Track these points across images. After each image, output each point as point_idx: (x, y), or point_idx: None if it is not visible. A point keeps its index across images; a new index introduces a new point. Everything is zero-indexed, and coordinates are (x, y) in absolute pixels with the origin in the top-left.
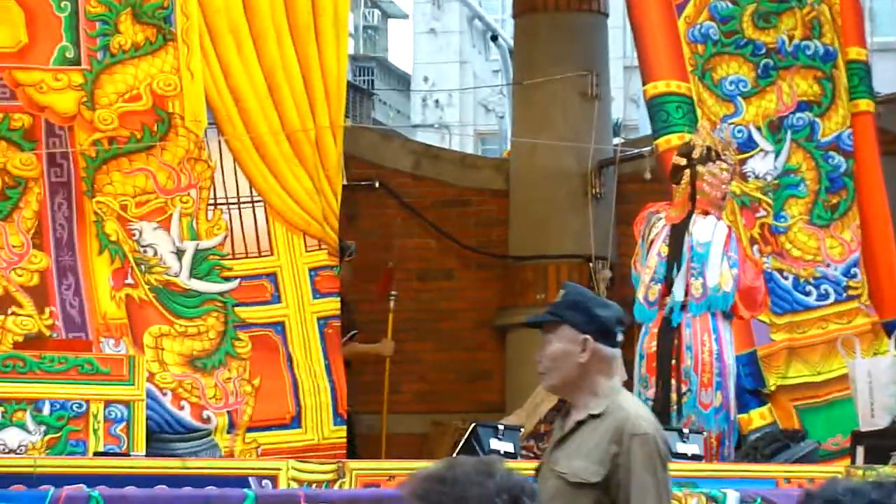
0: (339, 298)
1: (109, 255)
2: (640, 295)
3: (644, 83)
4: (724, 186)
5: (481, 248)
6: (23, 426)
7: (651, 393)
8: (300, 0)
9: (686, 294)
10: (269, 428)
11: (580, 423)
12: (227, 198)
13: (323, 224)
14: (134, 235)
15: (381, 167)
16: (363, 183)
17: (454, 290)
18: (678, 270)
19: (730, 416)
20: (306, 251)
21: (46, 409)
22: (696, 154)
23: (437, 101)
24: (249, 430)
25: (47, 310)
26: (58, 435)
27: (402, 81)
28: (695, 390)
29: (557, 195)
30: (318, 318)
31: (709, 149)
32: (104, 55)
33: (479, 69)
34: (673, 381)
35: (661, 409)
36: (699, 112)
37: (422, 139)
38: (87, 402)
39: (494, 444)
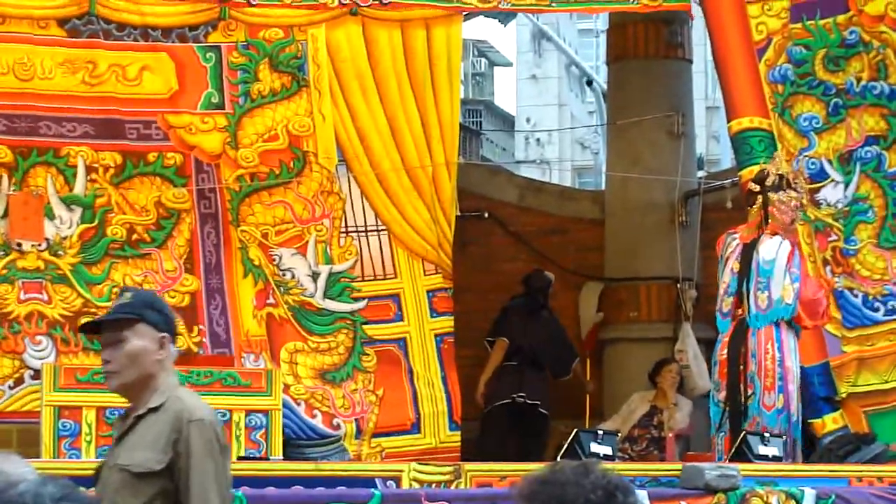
0: (451, 317)
1: (253, 278)
2: (717, 307)
3: (729, 120)
4: (792, 213)
5: (580, 271)
6: None
7: (722, 396)
8: (418, 50)
9: (755, 306)
10: (392, 434)
11: (139, 418)
12: (356, 226)
13: (438, 251)
14: (274, 260)
15: (489, 199)
16: (473, 214)
17: (556, 308)
18: (748, 285)
19: (791, 416)
20: (425, 275)
21: None
22: (769, 181)
23: (538, 140)
24: (375, 435)
25: (196, 328)
26: None
27: (506, 122)
28: (758, 393)
29: (647, 223)
30: (436, 335)
31: (781, 177)
32: (245, 100)
33: (576, 110)
34: (741, 386)
35: (732, 410)
36: (779, 146)
37: (525, 174)
38: (231, 411)
39: (594, 447)
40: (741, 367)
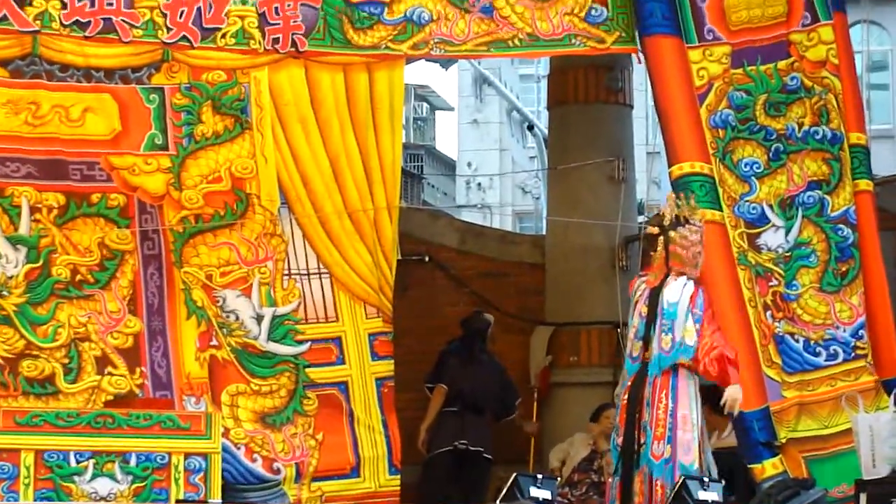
0: (392, 361)
1: (196, 320)
2: (626, 351)
3: (670, 165)
4: (693, 247)
5: (520, 315)
6: (112, 476)
7: (620, 440)
8: (360, 94)
9: (658, 348)
10: (331, 478)
11: None
12: (299, 269)
13: (379, 294)
14: (218, 302)
15: (430, 243)
16: (415, 258)
17: (496, 352)
18: (654, 329)
19: (681, 465)
20: (367, 318)
21: (133, 461)
22: (666, 222)
23: (479, 184)
24: (314, 479)
25: (138, 370)
26: (143, 484)
27: (448, 167)
28: (649, 442)
29: (588, 268)
30: (377, 379)
31: (677, 217)
32: (189, 142)
33: (517, 155)
34: (635, 433)
35: (625, 456)
36: (720, 190)
37: (466, 218)
38: (170, 454)
39: (534, 491)
40: (637, 413)
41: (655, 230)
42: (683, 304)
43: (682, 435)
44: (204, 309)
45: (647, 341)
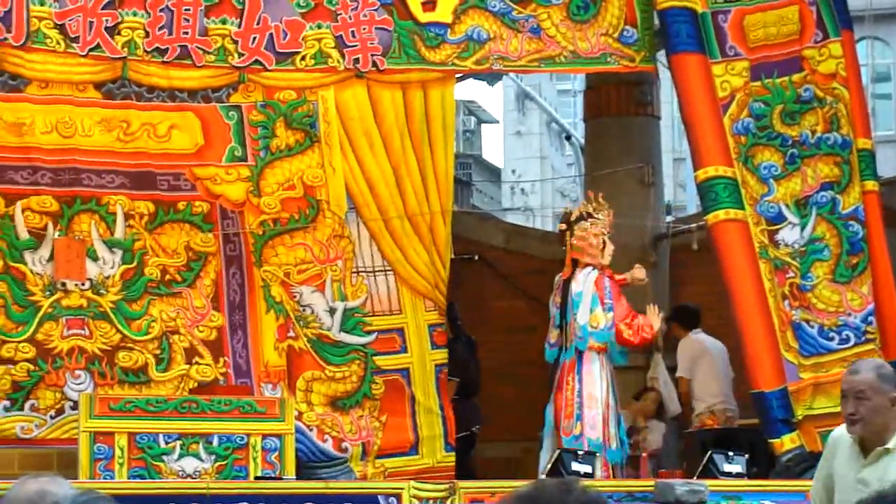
0: (447, 350)
1: (275, 314)
2: (546, 339)
3: (696, 169)
4: (593, 239)
5: None
6: (197, 456)
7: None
8: (417, 110)
9: (571, 335)
10: (393, 455)
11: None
12: (366, 267)
13: (435, 290)
14: (295, 297)
15: (479, 243)
16: (465, 256)
17: (537, 342)
18: (567, 317)
19: (591, 441)
20: (426, 311)
21: (216, 442)
22: (573, 217)
23: (522, 189)
24: (378, 457)
25: (221, 360)
26: (225, 462)
27: (494, 174)
28: (560, 421)
29: (622, 264)
30: (435, 365)
31: (581, 213)
32: (266, 153)
33: (557, 163)
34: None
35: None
36: (743, 191)
37: (511, 220)
38: (248, 435)
39: (576, 466)
40: (554, 396)
41: (563, 227)
42: (587, 291)
43: (588, 412)
44: (282, 304)
45: (561, 328)
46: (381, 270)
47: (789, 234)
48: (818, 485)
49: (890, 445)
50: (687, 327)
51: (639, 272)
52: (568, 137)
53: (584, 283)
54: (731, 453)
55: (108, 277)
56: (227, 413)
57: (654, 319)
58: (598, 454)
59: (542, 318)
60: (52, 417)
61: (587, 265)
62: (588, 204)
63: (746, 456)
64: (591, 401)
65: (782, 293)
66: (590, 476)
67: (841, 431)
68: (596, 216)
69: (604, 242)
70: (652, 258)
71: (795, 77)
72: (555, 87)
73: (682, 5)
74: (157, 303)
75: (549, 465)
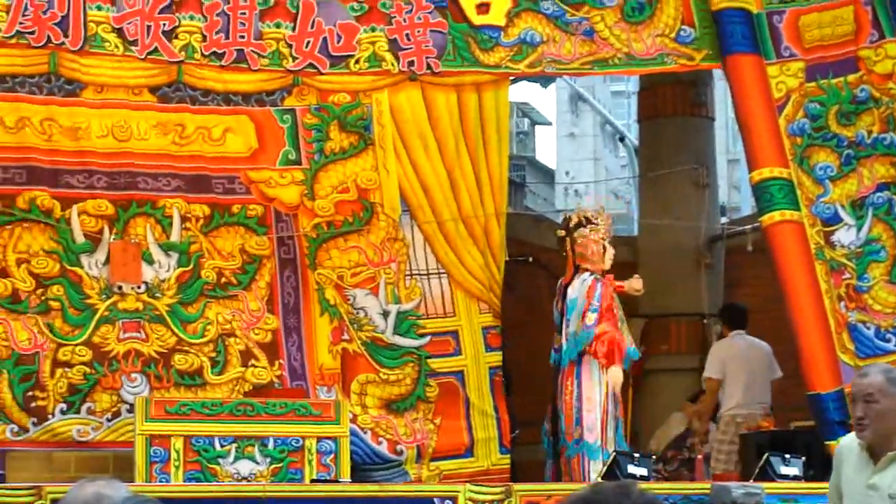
0: (501, 352)
1: (329, 317)
2: (552, 343)
3: (751, 170)
4: (593, 246)
5: None
6: (252, 458)
7: (549, 426)
8: (471, 112)
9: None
10: (448, 457)
11: None
12: (419, 270)
13: (489, 292)
14: (349, 300)
15: (533, 245)
16: (520, 259)
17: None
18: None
19: (589, 444)
20: (480, 313)
21: (271, 445)
22: (572, 223)
23: (576, 191)
24: (433, 459)
25: (277, 362)
26: (280, 465)
27: (547, 175)
28: (562, 426)
29: (676, 265)
30: (489, 368)
31: (583, 217)
32: (320, 157)
33: (610, 164)
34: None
35: (554, 440)
36: (799, 192)
37: None
38: (303, 438)
39: (631, 469)
40: (556, 401)
41: (562, 233)
42: (581, 296)
43: (586, 416)
44: (336, 306)
45: (563, 333)
46: (435, 273)
47: (845, 236)
48: (833, 495)
49: None
50: (731, 327)
51: (636, 283)
52: (622, 139)
53: (578, 288)
54: (787, 456)
55: (163, 280)
56: (282, 416)
57: (636, 284)
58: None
59: None
60: (108, 420)
61: (586, 271)
62: (587, 209)
63: (803, 458)
64: (589, 404)
65: (838, 294)
66: (646, 479)
67: (848, 440)
68: (595, 222)
69: (604, 248)
70: (707, 260)
71: (851, 77)
72: (608, 88)
73: (737, 6)
74: (213, 305)
75: (604, 469)
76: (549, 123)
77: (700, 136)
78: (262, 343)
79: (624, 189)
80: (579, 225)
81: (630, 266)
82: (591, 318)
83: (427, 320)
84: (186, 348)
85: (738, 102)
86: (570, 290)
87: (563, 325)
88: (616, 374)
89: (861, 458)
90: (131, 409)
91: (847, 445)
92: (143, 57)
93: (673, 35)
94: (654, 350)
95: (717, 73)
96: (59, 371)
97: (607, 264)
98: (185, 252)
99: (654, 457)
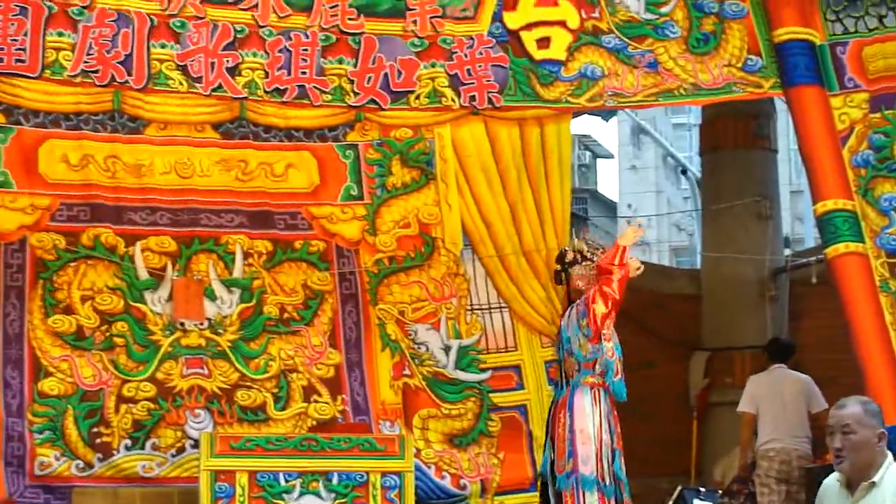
0: None
1: (390, 352)
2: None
3: (815, 202)
4: (594, 280)
5: (679, 341)
6: (317, 494)
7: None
8: (534, 146)
9: (565, 372)
10: (512, 492)
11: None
12: (480, 304)
13: (552, 326)
14: (410, 335)
15: None
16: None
17: (659, 376)
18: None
19: (584, 477)
20: (542, 347)
21: (335, 480)
22: (568, 258)
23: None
24: (497, 494)
25: (339, 397)
26: (345, 500)
27: (609, 208)
28: (554, 459)
29: (740, 298)
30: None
31: (578, 252)
32: (382, 192)
33: (672, 196)
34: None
35: (550, 471)
36: (863, 224)
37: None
38: (368, 473)
39: (696, 503)
40: (551, 434)
41: (558, 267)
42: (572, 325)
43: (581, 448)
44: (398, 342)
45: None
46: (497, 307)
47: None
48: None
49: (875, 479)
50: (772, 360)
51: (633, 261)
52: (684, 171)
53: (566, 317)
54: (702, 490)
55: (226, 317)
56: (346, 451)
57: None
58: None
59: (661, 353)
60: (172, 456)
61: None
62: (583, 245)
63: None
64: (583, 436)
65: None
66: None
67: (830, 480)
68: (590, 258)
69: None
70: (771, 292)
71: None
72: (670, 121)
73: (800, 38)
74: (275, 341)
75: (671, 502)
76: (612, 156)
77: (762, 168)
78: (325, 378)
79: (686, 221)
80: (574, 262)
81: (694, 299)
82: (587, 345)
83: (488, 355)
84: (249, 384)
85: (801, 134)
86: (562, 321)
87: (560, 356)
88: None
89: (840, 492)
90: (195, 445)
91: (828, 485)
92: (207, 94)
93: (740, 64)
94: (718, 383)
95: (780, 105)
96: (123, 407)
97: None
98: (248, 288)
99: (719, 491)
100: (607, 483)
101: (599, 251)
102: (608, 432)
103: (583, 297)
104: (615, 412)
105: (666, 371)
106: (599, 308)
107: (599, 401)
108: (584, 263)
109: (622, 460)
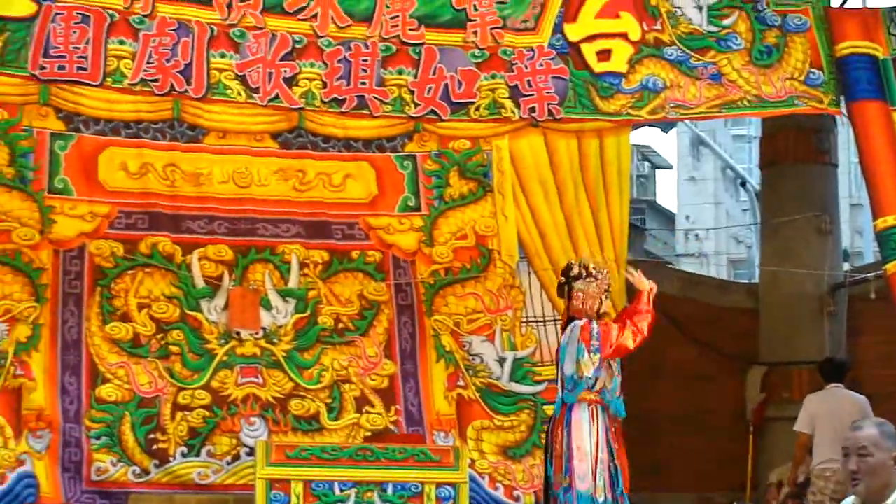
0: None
1: (445, 363)
2: None
3: (875, 218)
4: (592, 300)
5: (737, 356)
6: None
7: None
8: (592, 157)
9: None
10: None
11: None
12: (535, 317)
13: None
14: (465, 346)
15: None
16: None
17: (712, 390)
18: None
19: (581, 494)
20: None
21: (390, 490)
22: (573, 273)
23: (696, 235)
24: None
25: (393, 408)
26: None
27: (667, 219)
28: (551, 475)
29: (799, 312)
30: None
31: (584, 268)
32: (439, 203)
33: (731, 208)
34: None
35: (546, 489)
36: None
37: (685, 266)
38: (422, 484)
39: None
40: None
41: (562, 279)
42: (572, 342)
43: (577, 464)
44: (452, 353)
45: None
46: (552, 320)
47: None
48: None
49: (890, 502)
50: (827, 380)
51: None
52: (743, 183)
53: (569, 333)
54: None
55: (280, 326)
56: (401, 461)
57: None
58: None
59: (718, 366)
60: (228, 463)
61: (575, 319)
62: (589, 261)
63: None
64: (579, 453)
65: None
66: None
67: (848, 502)
68: (595, 276)
69: (600, 302)
70: (830, 307)
71: None
72: (730, 133)
73: (862, 52)
74: (329, 352)
75: None
76: (670, 167)
77: (822, 183)
78: (378, 389)
79: (745, 233)
80: (578, 277)
81: (751, 313)
82: (595, 359)
83: (543, 367)
84: (303, 393)
85: (862, 149)
86: (561, 337)
87: (559, 373)
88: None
89: None
90: (250, 453)
91: None
92: (264, 104)
93: (802, 78)
94: (775, 398)
95: (839, 118)
96: (179, 414)
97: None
98: (303, 298)
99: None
100: (601, 500)
101: (605, 272)
102: (605, 450)
103: (592, 320)
104: (615, 428)
105: (723, 385)
106: (627, 342)
107: (597, 417)
108: (587, 279)
109: (623, 477)
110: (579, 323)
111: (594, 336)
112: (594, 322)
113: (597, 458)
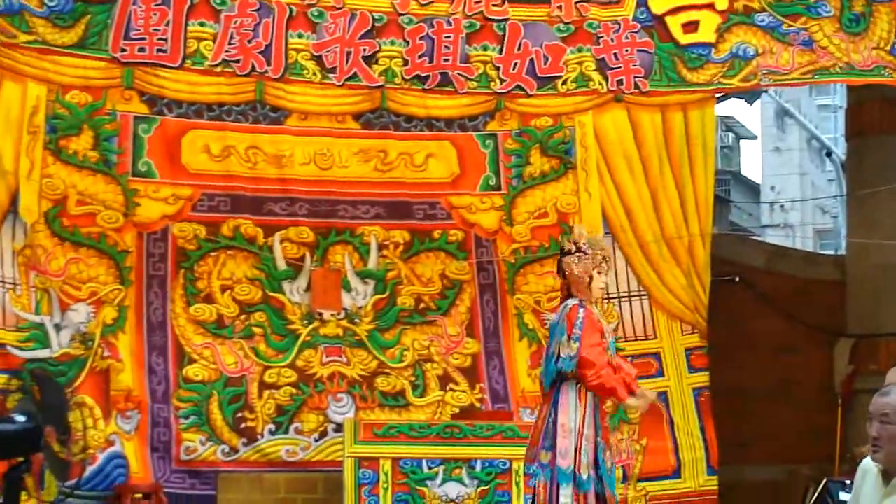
0: (707, 372)
1: (528, 341)
2: None
3: None
4: (579, 277)
5: (824, 328)
6: (460, 481)
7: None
8: (677, 131)
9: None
10: (655, 479)
11: None
12: (618, 293)
13: (694, 313)
14: (546, 325)
15: (739, 264)
16: (725, 278)
17: (803, 363)
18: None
19: (551, 469)
20: (682, 334)
21: (478, 467)
22: (565, 248)
23: (782, 206)
24: (640, 480)
25: (477, 386)
26: (487, 488)
27: (752, 190)
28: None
29: (886, 284)
30: (693, 389)
31: (574, 244)
32: (519, 182)
33: (817, 179)
34: None
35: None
36: None
37: (770, 238)
38: (511, 461)
39: (843, 496)
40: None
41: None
42: (561, 322)
43: (560, 441)
44: (535, 331)
45: None
46: (636, 295)
47: None
48: None
49: None
50: None
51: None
52: (828, 154)
53: (559, 314)
54: (847, 482)
55: (360, 308)
56: (489, 438)
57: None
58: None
59: (804, 339)
60: (315, 440)
61: (572, 297)
62: (582, 237)
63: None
64: (563, 430)
65: None
66: None
67: (870, 463)
68: (585, 251)
69: (590, 278)
70: None
71: None
72: (814, 102)
73: None
74: (409, 332)
75: (815, 496)
76: (755, 137)
77: None
78: (462, 367)
79: (830, 203)
80: (569, 252)
81: (839, 285)
82: (574, 347)
83: (625, 342)
84: (388, 371)
85: None
86: (553, 316)
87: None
88: (634, 404)
89: (877, 480)
90: (338, 429)
91: (867, 466)
92: (340, 83)
93: (888, 48)
94: (862, 370)
95: None
96: (266, 393)
97: (595, 294)
98: (382, 279)
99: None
100: (584, 476)
101: (597, 248)
102: (592, 426)
103: (583, 303)
104: (602, 407)
105: (810, 358)
106: (584, 367)
107: (585, 395)
108: (576, 254)
109: (608, 454)
110: (570, 303)
111: (576, 324)
112: (583, 308)
113: (581, 433)
